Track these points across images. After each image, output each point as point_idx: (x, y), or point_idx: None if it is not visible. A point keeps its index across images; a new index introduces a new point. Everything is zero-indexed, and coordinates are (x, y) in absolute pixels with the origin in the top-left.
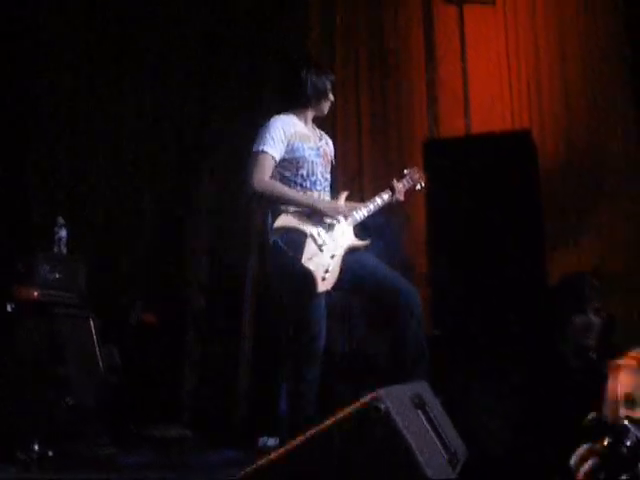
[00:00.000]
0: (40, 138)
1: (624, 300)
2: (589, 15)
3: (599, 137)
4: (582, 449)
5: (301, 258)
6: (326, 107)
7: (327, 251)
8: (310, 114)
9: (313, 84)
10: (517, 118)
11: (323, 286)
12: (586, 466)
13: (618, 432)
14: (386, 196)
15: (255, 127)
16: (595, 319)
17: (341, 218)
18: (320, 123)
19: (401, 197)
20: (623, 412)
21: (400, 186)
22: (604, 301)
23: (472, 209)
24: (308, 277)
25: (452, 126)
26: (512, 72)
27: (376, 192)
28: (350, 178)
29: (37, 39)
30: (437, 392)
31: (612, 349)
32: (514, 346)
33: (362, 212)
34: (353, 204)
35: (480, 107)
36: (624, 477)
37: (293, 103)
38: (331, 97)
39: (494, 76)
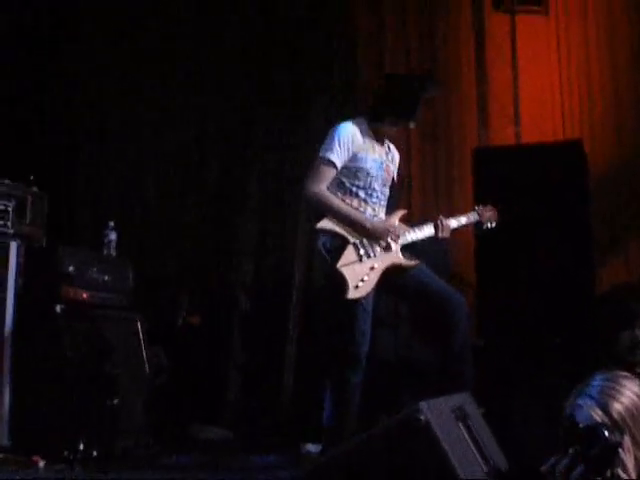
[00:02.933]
0: (88, 140)
1: None
2: None
3: None
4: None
5: (336, 263)
6: (396, 130)
7: (367, 262)
8: (385, 128)
9: (402, 106)
10: (568, 127)
11: (354, 294)
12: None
13: (589, 436)
14: (432, 231)
15: (303, 129)
16: None
17: (389, 240)
18: None
19: (446, 235)
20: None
21: (455, 224)
22: None
23: (521, 219)
24: (340, 282)
25: (502, 135)
26: (563, 81)
27: (424, 201)
28: (398, 187)
29: (84, 39)
30: (480, 403)
31: None
32: (559, 359)
33: (415, 233)
34: (407, 225)
35: (530, 116)
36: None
37: (375, 112)
38: (410, 125)
39: (545, 85)
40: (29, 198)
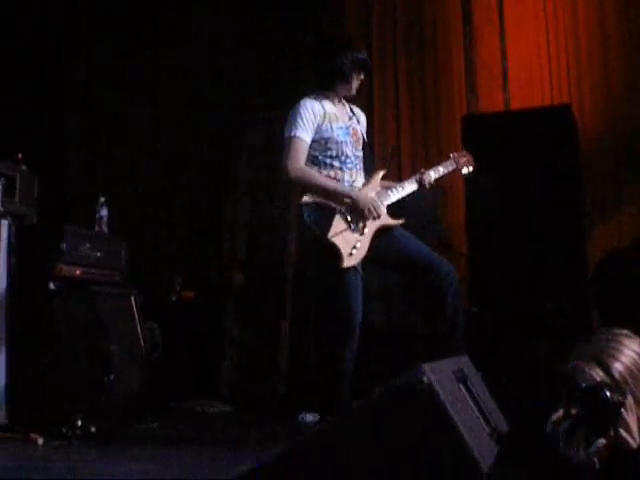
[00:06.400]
0: (78, 119)
1: None
2: None
3: (639, 110)
4: (556, 414)
5: (327, 233)
6: (355, 86)
7: (356, 228)
8: (340, 93)
9: (344, 62)
10: (556, 93)
11: (349, 261)
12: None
13: (590, 397)
14: (415, 186)
15: (291, 104)
16: None
17: (372, 210)
18: (357, 98)
19: (428, 186)
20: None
21: (435, 175)
22: None
23: (511, 185)
24: (333, 252)
25: (491, 101)
26: (551, 47)
27: (414, 167)
28: (388, 153)
29: (73, 20)
30: (477, 367)
31: None
32: (552, 324)
33: (397, 192)
34: (389, 183)
35: (519, 82)
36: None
37: (323, 82)
38: (361, 77)
39: (533, 50)
40: (18, 176)
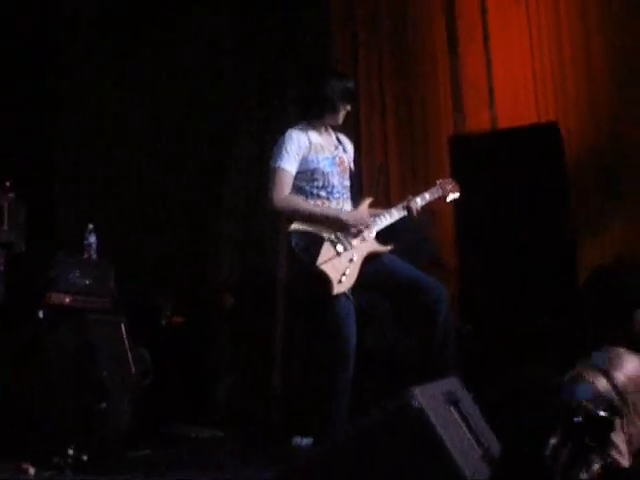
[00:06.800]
0: (64, 144)
1: None
2: (614, 5)
3: (625, 124)
4: (554, 439)
5: (316, 261)
6: (342, 115)
7: (345, 255)
8: (327, 122)
9: (333, 92)
10: (542, 110)
11: (339, 288)
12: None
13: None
14: (402, 213)
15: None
16: None
17: (362, 229)
18: (343, 125)
19: (415, 213)
20: None
21: (421, 201)
22: None
23: (500, 204)
24: (323, 279)
25: (478, 119)
26: (535, 61)
27: (402, 190)
28: (375, 176)
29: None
30: (469, 387)
31: None
32: (545, 340)
33: (384, 219)
34: (376, 211)
35: (505, 97)
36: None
37: (310, 112)
38: (348, 107)
39: (518, 65)
40: (6, 204)
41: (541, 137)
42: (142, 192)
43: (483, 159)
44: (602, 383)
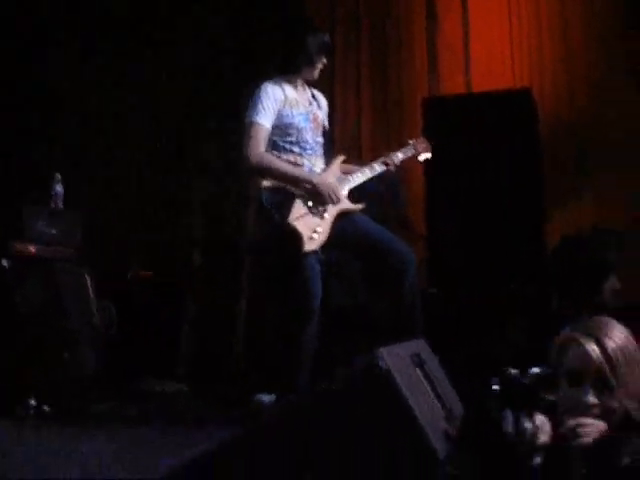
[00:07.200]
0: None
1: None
2: None
3: (599, 96)
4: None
5: (287, 217)
6: (317, 71)
7: (317, 212)
8: (303, 76)
9: (311, 45)
10: (518, 76)
11: (310, 245)
12: None
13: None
14: (380, 168)
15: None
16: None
17: (332, 197)
18: (318, 81)
19: (393, 169)
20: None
21: (397, 158)
22: None
23: (472, 167)
24: (294, 236)
25: (452, 83)
26: (513, 29)
27: (375, 151)
28: (349, 137)
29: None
30: (435, 351)
31: None
32: (512, 305)
33: (357, 177)
34: (349, 167)
35: (480, 64)
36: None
37: (288, 65)
38: (324, 60)
39: (495, 33)
40: None
41: (514, 103)
42: (113, 146)
43: (456, 122)
44: (593, 348)
